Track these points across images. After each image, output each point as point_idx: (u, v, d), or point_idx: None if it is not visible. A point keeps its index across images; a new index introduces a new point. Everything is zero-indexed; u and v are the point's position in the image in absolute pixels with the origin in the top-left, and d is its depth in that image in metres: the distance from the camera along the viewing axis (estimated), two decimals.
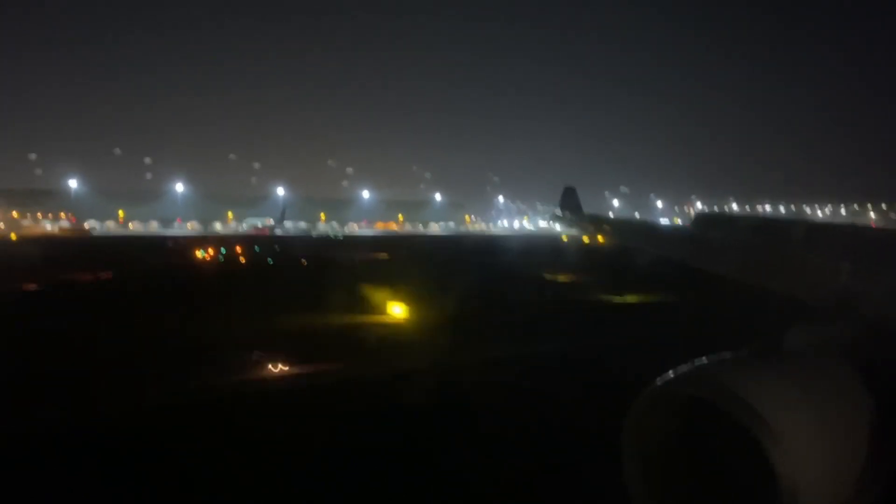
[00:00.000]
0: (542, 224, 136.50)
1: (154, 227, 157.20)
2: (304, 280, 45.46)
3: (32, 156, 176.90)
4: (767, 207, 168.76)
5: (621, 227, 11.80)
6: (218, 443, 12.50)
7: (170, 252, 72.02)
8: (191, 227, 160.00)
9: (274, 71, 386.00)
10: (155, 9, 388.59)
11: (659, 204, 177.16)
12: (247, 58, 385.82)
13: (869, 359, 2.59)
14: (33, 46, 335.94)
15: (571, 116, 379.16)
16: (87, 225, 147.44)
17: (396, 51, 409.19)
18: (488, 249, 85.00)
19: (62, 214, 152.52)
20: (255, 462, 11.49)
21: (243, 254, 69.15)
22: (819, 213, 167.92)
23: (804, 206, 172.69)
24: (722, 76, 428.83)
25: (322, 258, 64.64)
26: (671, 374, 2.44)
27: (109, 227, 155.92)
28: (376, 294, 31.13)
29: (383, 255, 70.15)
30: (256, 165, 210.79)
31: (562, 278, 44.48)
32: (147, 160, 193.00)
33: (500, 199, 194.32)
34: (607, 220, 13.04)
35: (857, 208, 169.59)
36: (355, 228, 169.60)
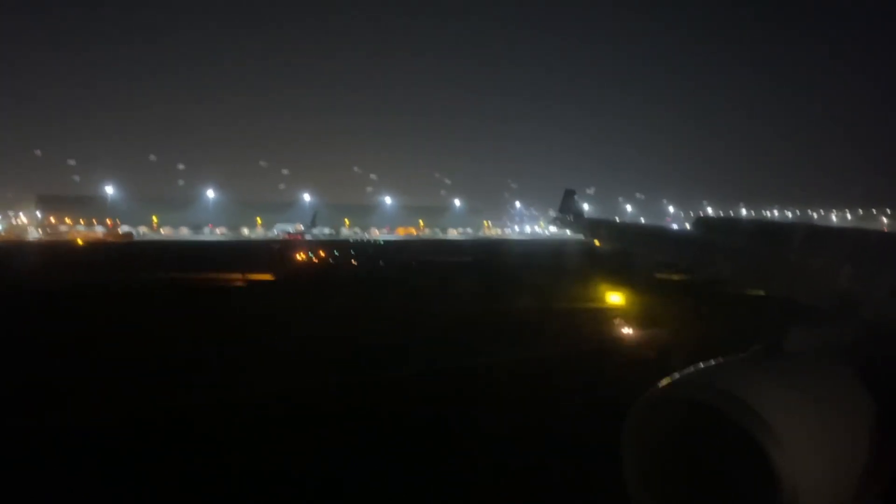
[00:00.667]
0: (553, 229, 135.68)
1: (185, 233, 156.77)
2: (477, 277, 46.15)
3: (72, 161, 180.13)
4: (776, 212, 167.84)
5: (621, 231, 11.55)
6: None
7: (292, 253, 67.39)
8: (220, 233, 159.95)
9: (302, 79, 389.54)
10: (187, 19, 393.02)
11: (671, 209, 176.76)
12: (278, 68, 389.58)
13: (870, 361, 2.54)
14: (70, 55, 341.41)
15: (589, 125, 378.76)
16: (119, 230, 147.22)
17: (424, 60, 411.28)
18: (559, 253, 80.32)
19: (108, 220, 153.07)
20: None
21: (359, 256, 66.61)
22: (834, 218, 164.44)
23: (809, 210, 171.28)
24: (737, 85, 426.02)
25: (439, 261, 63.98)
26: (672, 376, 2.38)
27: (143, 232, 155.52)
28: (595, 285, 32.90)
29: (470, 258, 68.66)
30: (285, 172, 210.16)
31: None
32: (180, 166, 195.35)
33: (517, 204, 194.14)
34: (607, 224, 12.80)
35: (861, 213, 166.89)
36: (376, 234, 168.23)
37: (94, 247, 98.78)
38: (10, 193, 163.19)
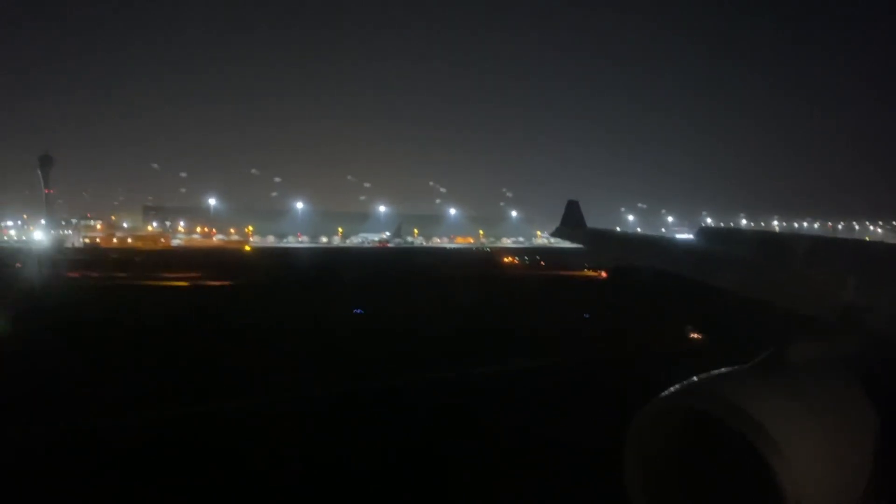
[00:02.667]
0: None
1: (271, 241, 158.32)
2: None
3: (183, 174, 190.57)
4: (805, 224, 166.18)
5: (622, 241, 11.12)
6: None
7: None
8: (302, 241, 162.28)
9: (382, 101, 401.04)
10: (286, 43, 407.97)
11: (709, 220, 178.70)
12: (362, 90, 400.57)
13: (873, 373, 2.45)
14: (181, 82, 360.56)
15: (634, 144, 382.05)
16: (216, 237, 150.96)
17: (496, 81, 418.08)
18: None
19: (231, 230, 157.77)
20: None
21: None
22: (872, 229, 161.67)
23: (828, 222, 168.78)
24: (770, 98, 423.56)
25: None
26: (675, 386, 2.31)
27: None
28: None
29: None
30: (367, 185, 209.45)
31: None
32: (277, 179, 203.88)
33: None
34: (609, 234, 12.17)
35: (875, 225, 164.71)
36: (437, 242, 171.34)
37: (275, 252, 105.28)
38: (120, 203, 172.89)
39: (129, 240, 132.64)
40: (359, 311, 29.98)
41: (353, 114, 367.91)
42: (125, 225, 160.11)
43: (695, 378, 2.33)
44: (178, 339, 22.19)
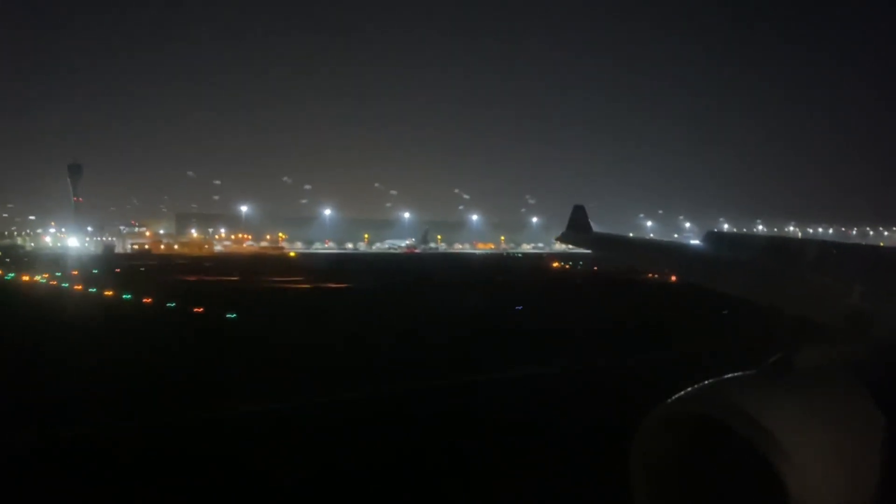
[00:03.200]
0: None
1: (299, 247, 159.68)
2: None
3: (217, 182, 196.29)
4: (820, 229, 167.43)
5: (629, 246, 11.15)
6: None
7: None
8: (328, 246, 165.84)
9: (406, 113, 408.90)
10: (314, 52, 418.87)
11: (725, 226, 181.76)
12: (387, 101, 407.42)
13: (880, 379, 2.43)
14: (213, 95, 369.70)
15: (656, 149, 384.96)
16: (246, 243, 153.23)
17: (512, 89, 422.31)
18: None
19: (268, 236, 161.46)
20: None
21: None
22: (887, 235, 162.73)
23: (842, 227, 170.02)
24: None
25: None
26: (681, 392, 2.30)
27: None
28: None
29: None
30: (394, 192, 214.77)
31: None
32: (307, 186, 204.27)
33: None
34: (616, 239, 12.10)
35: None
36: (458, 248, 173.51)
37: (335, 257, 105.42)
38: (163, 210, 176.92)
39: (176, 246, 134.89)
40: (519, 307, 33.62)
41: (379, 123, 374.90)
42: (160, 232, 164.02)
43: (703, 383, 2.31)
44: (401, 331, 25.23)
